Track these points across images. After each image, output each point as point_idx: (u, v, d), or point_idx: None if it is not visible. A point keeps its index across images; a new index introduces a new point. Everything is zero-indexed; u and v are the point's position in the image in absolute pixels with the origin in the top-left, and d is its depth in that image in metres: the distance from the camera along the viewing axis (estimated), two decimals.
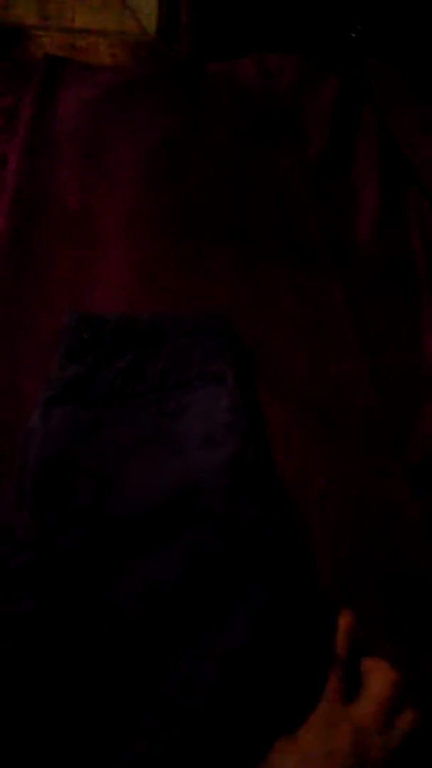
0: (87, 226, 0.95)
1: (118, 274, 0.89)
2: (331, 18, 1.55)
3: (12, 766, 0.50)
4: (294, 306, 0.92)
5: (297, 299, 0.93)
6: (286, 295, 0.93)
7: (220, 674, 0.54)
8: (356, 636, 0.58)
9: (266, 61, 1.36)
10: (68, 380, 0.74)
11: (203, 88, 1.29)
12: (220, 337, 0.80)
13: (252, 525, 0.63)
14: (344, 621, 0.58)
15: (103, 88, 1.19)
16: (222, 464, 0.66)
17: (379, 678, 0.54)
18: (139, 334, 0.78)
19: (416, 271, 1.00)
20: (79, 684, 0.54)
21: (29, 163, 1.02)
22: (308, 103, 1.26)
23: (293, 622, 0.58)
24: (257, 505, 0.65)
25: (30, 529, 0.61)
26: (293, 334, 0.89)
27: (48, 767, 0.50)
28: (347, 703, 0.53)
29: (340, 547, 0.69)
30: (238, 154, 1.14)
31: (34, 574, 0.58)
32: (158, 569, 0.60)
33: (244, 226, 1.02)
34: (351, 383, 0.84)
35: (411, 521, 0.72)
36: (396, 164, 1.17)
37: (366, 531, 0.71)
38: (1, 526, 0.62)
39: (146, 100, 1.20)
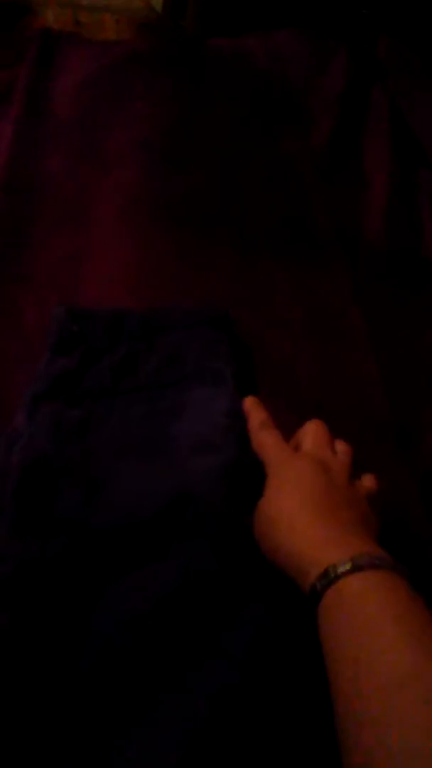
0: (80, 215, 0.90)
1: (112, 266, 0.84)
2: None
3: None
4: (298, 301, 0.87)
5: (301, 294, 0.88)
6: (289, 290, 0.88)
7: (209, 713, 0.49)
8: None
9: (274, 39, 1.30)
10: (56, 375, 0.69)
11: (208, 67, 1.23)
12: (218, 332, 0.76)
13: (249, 539, 0.59)
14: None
15: (102, 66, 1.13)
16: (218, 471, 0.62)
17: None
18: (132, 328, 0.74)
19: (429, 261, 0.95)
20: (56, 705, 0.50)
21: (21, 145, 0.97)
22: (316, 83, 1.20)
23: (292, 648, 0.54)
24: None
25: (9, 540, 0.57)
26: (297, 330, 0.84)
27: None
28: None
29: None
30: (241, 138, 1.09)
31: (11, 589, 0.54)
32: (146, 586, 0.56)
33: (246, 216, 0.97)
34: (357, 384, 0.79)
35: (419, 529, 0.68)
36: (408, 148, 1.11)
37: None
38: None
39: (147, 79, 1.15)
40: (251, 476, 0.62)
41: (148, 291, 0.82)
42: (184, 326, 0.74)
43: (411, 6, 1.45)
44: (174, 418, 0.67)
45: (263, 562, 0.57)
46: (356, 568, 0.49)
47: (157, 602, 0.54)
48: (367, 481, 0.63)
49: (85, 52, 1.18)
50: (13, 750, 0.48)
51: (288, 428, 0.72)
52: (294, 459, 0.61)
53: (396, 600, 0.47)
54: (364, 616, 0.47)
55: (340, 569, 0.49)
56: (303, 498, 0.57)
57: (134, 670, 0.51)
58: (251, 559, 0.57)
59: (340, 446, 0.64)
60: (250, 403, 0.68)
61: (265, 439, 0.64)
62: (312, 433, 0.64)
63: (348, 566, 0.49)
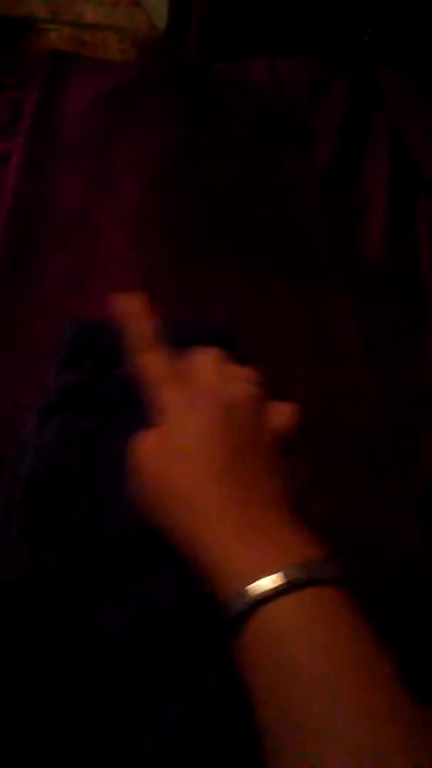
0: (88, 229, 0.93)
1: (119, 279, 0.87)
2: (344, 21, 1.53)
3: None
4: (297, 317, 0.89)
5: (301, 310, 0.90)
6: (289, 306, 0.91)
7: (212, 715, 0.51)
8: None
9: (277, 64, 1.34)
10: (65, 389, 0.71)
11: (212, 89, 1.27)
12: (224, 347, 0.78)
13: None
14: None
15: (109, 87, 1.16)
16: None
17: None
18: None
19: (425, 284, 0.98)
20: (64, 706, 0.52)
21: (31, 163, 0.99)
22: (319, 108, 1.24)
23: None
24: None
25: (20, 548, 0.59)
26: (296, 345, 0.87)
27: None
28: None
29: None
30: (244, 159, 1.12)
31: (22, 594, 0.56)
32: (152, 593, 0.57)
33: (248, 233, 0.99)
34: (353, 401, 0.81)
35: (413, 548, 0.69)
36: (407, 173, 1.14)
37: (366, 557, 0.68)
38: None
39: (153, 100, 1.18)
40: None
41: (153, 303, 0.85)
42: (190, 341, 0.76)
43: (412, 34, 1.49)
44: None
45: None
46: (288, 588, 0.36)
47: (162, 606, 0.56)
48: (281, 417, 0.47)
49: (92, 74, 1.21)
50: (19, 748, 0.49)
51: None
52: (193, 399, 0.47)
53: (335, 635, 0.36)
54: (293, 662, 0.35)
55: (265, 588, 0.36)
56: (207, 460, 0.42)
57: (139, 671, 0.53)
58: None
59: (244, 372, 0.50)
60: (130, 306, 0.52)
61: (150, 363, 0.51)
62: (210, 361, 0.51)
63: (276, 584, 0.36)
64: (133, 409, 0.71)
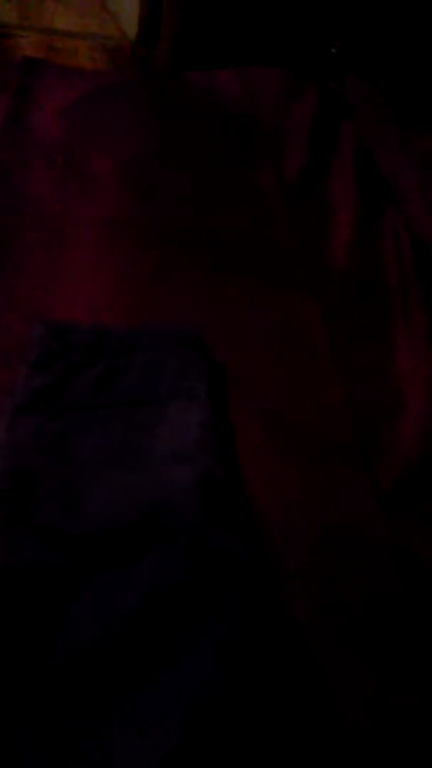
0: (60, 234, 0.93)
1: (90, 284, 0.88)
2: (312, 33, 1.56)
3: None
4: (266, 323, 0.91)
5: (269, 316, 0.92)
6: (258, 312, 0.92)
7: (182, 715, 0.52)
8: None
9: (247, 74, 1.36)
10: (36, 390, 0.72)
11: (181, 98, 1.29)
12: (193, 351, 0.79)
13: (220, 547, 0.61)
14: None
15: (80, 95, 1.18)
16: (191, 482, 0.65)
17: None
18: (110, 345, 0.77)
19: (390, 291, 1.00)
20: (36, 696, 0.52)
21: (3, 168, 1.00)
22: (287, 118, 1.26)
23: (260, 655, 0.56)
24: (226, 526, 0.64)
25: None
26: (265, 350, 0.89)
27: None
28: None
29: (309, 568, 0.68)
30: (214, 167, 1.14)
31: None
32: (121, 591, 0.58)
33: (217, 240, 1.01)
34: (323, 402, 0.83)
35: (380, 543, 0.71)
36: (373, 182, 1.17)
37: (335, 553, 0.70)
38: None
39: (124, 108, 1.19)
40: (222, 487, 0.66)
41: (124, 309, 0.86)
42: (161, 345, 0.78)
43: (378, 46, 1.52)
44: (150, 432, 0.70)
45: (233, 571, 0.60)
46: None
47: (131, 603, 0.57)
48: None
49: (64, 81, 1.22)
50: None
51: (253, 443, 0.75)
52: None
53: None
54: None
55: None
56: None
57: (114, 662, 0.53)
58: (221, 567, 0.60)
59: None
60: None
61: None
62: None
63: None
64: (103, 410, 0.73)
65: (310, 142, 1.22)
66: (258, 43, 1.63)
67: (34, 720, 0.51)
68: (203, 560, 0.60)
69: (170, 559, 0.60)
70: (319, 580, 0.67)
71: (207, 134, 1.20)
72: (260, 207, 1.10)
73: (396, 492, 0.76)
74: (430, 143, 1.14)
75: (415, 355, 0.91)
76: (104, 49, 2.12)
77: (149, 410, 0.72)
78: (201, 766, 0.50)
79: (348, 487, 0.76)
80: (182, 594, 0.58)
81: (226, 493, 0.66)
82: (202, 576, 0.60)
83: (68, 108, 1.14)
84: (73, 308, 0.85)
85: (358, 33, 1.54)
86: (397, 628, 0.65)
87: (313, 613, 0.64)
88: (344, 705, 0.58)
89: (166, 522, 0.62)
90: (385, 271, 1.03)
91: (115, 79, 1.30)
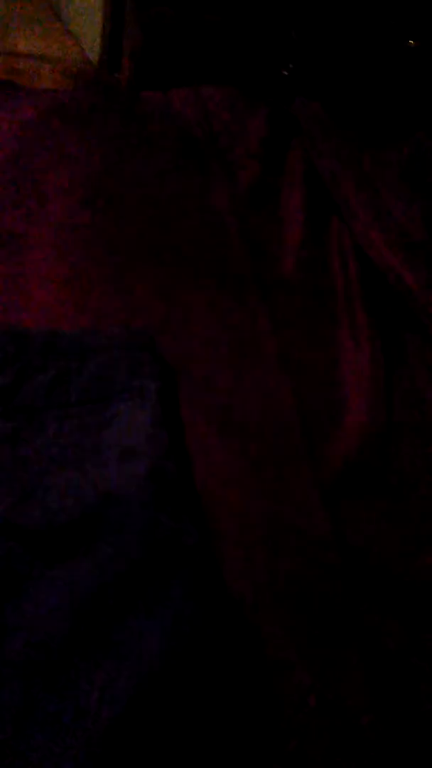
0: (18, 245, 0.96)
1: (45, 292, 0.91)
2: (264, 56, 1.62)
3: None
4: (217, 329, 0.95)
5: (220, 323, 0.96)
6: (209, 319, 0.96)
7: (133, 685, 0.55)
8: None
9: (202, 94, 1.41)
10: None
11: (138, 116, 1.33)
12: (144, 353, 0.83)
13: (169, 537, 0.65)
14: None
15: (40, 111, 1.21)
16: (142, 476, 0.68)
17: None
18: (64, 348, 0.80)
19: (336, 298, 1.05)
20: None
21: None
22: (239, 135, 1.32)
23: (205, 636, 0.59)
24: (175, 517, 0.67)
25: None
26: (216, 355, 0.92)
27: None
28: None
29: (255, 557, 0.71)
30: (169, 181, 1.18)
31: None
32: (74, 579, 0.61)
33: (171, 251, 1.05)
34: (271, 401, 0.87)
35: (320, 532, 0.75)
36: (321, 196, 1.22)
37: (280, 543, 0.73)
38: None
39: (81, 126, 1.23)
40: (172, 480, 0.69)
41: (79, 314, 0.89)
42: (113, 347, 0.81)
43: (327, 69, 1.59)
44: (103, 430, 0.73)
45: (181, 558, 0.63)
46: None
47: (84, 589, 0.59)
48: None
49: (23, 100, 1.25)
50: None
51: (203, 441, 0.79)
52: None
53: None
54: None
55: None
56: None
57: (64, 648, 0.56)
58: (170, 555, 0.63)
59: None
60: None
61: None
62: None
63: None
64: (56, 410, 0.76)
65: (261, 157, 1.27)
66: (214, 65, 1.68)
67: None
68: (152, 548, 0.63)
69: (120, 548, 0.63)
70: (264, 568, 0.71)
71: (162, 150, 1.24)
72: (213, 220, 1.14)
73: (338, 486, 0.80)
74: (374, 161, 1.20)
75: (359, 357, 0.96)
76: (66, 72, 2.16)
77: (101, 409, 0.75)
78: (145, 734, 0.52)
79: (293, 483, 0.80)
80: (132, 580, 0.61)
81: (175, 487, 0.70)
82: (150, 563, 0.63)
83: (27, 124, 1.18)
84: (29, 314, 0.88)
85: (309, 56, 1.60)
86: (335, 612, 0.69)
87: (258, 597, 0.68)
88: (287, 682, 0.62)
89: (116, 513, 0.65)
90: (331, 280, 1.08)
91: (74, 97, 1.34)
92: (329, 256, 1.11)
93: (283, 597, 0.69)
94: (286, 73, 1.53)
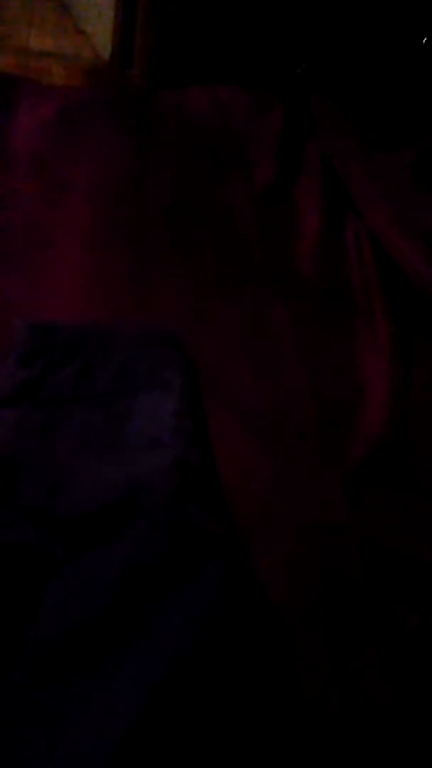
0: (41, 245, 0.98)
1: (70, 286, 0.92)
2: (279, 55, 1.63)
3: None
4: (236, 323, 0.97)
5: (239, 317, 0.98)
6: (229, 313, 0.98)
7: (158, 680, 0.55)
8: None
9: (217, 92, 1.42)
10: (19, 384, 0.76)
11: (154, 114, 1.34)
12: (167, 348, 0.84)
13: (195, 525, 0.66)
14: None
15: (57, 109, 1.23)
16: (167, 465, 0.69)
17: None
18: (90, 342, 0.81)
19: (353, 292, 1.06)
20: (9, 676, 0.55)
21: None
22: (255, 133, 1.33)
23: (236, 625, 0.60)
24: (201, 505, 0.68)
25: None
26: (236, 349, 0.94)
27: None
28: None
29: (278, 547, 0.73)
30: (186, 178, 1.19)
31: None
32: (104, 566, 0.62)
33: (191, 247, 1.07)
34: (290, 394, 0.88)
35: (343, 526, 0.76)
36: (336, 192, 1.24)
37: (302, 532, 0.75)
38: None
39: (99, 124, 1.25)
40: (197, 471, 0.70)
41: (103, 309, 0.91)
42: (137, 341, 0.83)
43: (340, 67, 1.60)
44: (128, 420, 0.75)
45: (206, 546, 0.64)
46: None
47: (109, 577, 0.61)
48: None
49: (41, 97, 1.27)
50: None
51: (225, 432, 0.80)
52: None
53: None
54: None
55: None
56: None
57: (89, 634, 0.57)
58: (196, 543, 0.65)
59: None
60: None
61: None
62: None
63: None
64: (83, 401, 0.77)
65: (277, 155, 1.28)
66: (228, 63, 1.69)
67: (19, 690, 0.54)
68: (180, 536, 0.65)
69: (148, 536, 0.64)
70: (287, 560, 0.72)
71: (179, 148, 1.26)
72: (231, 216, 1.16)
73: (358, 479, 0.81)
74: (388, 158, 1.21)
75: (378, 351, 0.97)
76: (78, 69, 2.17)
77: (126, 400, 0.77)
78: (171, 722, 0.54)
79: (314, 475, 0.81)
80: (160, 568, 0.62)
81: (200, 476, 0.71)
82: (178, 551, 0.64)
83: (45, 122, 1.19)
84: (54, 308, 0.89)
85: (323, 54, 1.61)
86: (358, 602, 0.70)
87: (281, 588, 0.69)
88: (309, 672, 0.63)
89: (144, 501, 0.67)
90: (348, 276, 1.09)
91: (90, 95, 1.35)
92: (346, 251, 1.12)
93: (306, 586, 0.70)
94: (299, 71, 1.53)
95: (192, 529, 0.65)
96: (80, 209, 1.07)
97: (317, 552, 0.74)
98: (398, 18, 1.57)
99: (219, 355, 0.92)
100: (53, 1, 2.50)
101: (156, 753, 0.51)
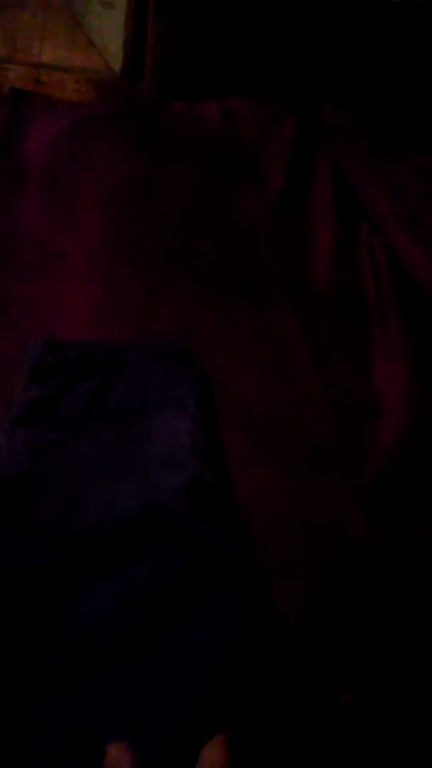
0: (53, 259, 0.98)
1: (82, 304, 0.92)
2: (291, 66, 1.63)
3: None
4: (250, 337, 0.96)
5: (253, 331, 0.97)
6: (242, 327, 0.97)
7: (174, 701, 0.54)
8: None
9: (228, 104, 1.42)
10: (33, 402, 0.76)
11: (165, 127, 1.34)
12: (181, 364, 0.83)
13: (211, 545, 0.65)
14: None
15: (68, 125, 1.23)
16: (183, 485, 0.69)
17: None
18: (103, 359, 0.81)
19: (367, 303, 1.05)
20: (26, 706, 0.55)
21: None
22: (267, 144, 1.32)
23: (251, 647, 0.59)
24: (217, 525, 0.68)
25: None
26: (250, 363, 0.93)
27: None
28: None
29: (293, 565, 0.72)
30: (199, 191, 1.19)
31: None
32: (118, 589, 0.61)
33: (204, 260, 1.06)
34: (305, 410, 0.87)
35: (360, 543, 0.75)
36: (349, 203, 1.23)
37: (318, 552, 0.73)
38: None
39: (110, 137, 1.25)
40: (213, 490, 0.69)
41: (115, 321, 0.90)
42: (150, 358, 0.82)
43: (353, 78, 1.60)
44: (143, 439, 0.74)
45: (223, 566, 0.63)
46: None
47: (127, 600, 0.60)
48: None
49: (52, 112, 1.27)
50: None
51: (240, 449, 0.79)
52: None
53: None
54: None
55: None
56: None
57: (108, 659, 0.57)
58: (213, 563, 0.64)
59: None
60: None
61: None
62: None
63: None
64: (97, 420, 0.77)
65: (289, 166, 1.28)
66: (239, 75, 1.69)
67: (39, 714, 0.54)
68: (196, 557, 0.64)
69: (165, 558, 0.64)
70: (303, 578, 0.71)
71: (190, 160, 1.25)
72: (244, 228, 1.15)
73: (375, 495, 0.80)
74: (402, 167, 1.20)
75: (393, 366, 0.96)
76: (90, 82, 2.18)
77: (141, 419, 0.76)
78: (188, 747, 0.53)
79: (330, 491, 0.80)
80: (177, 590, 0.62)
81: (216, 496, 0.70)
82: (195, 572, 0.63)
83: (57, 138, 1.19)
84: (67, 326, 0.89)
85: (335, 66, 1.61)
86: (376, 619, 0.69)
87: (298, 607, 0.68)
88: (331, 689, 0.62)
89: (160, 522, 0.66)
90: (362, 287, 1.08)
91: (100, 109, 1.35)
92: (360, 262, 1.11)
93: (324, 604, 0.69)
94: (312, 81, 1.53)
95: (207, 551, 0.64)
96: (92, 221, 1.07)
97: (334, 569, 0.73)
98: (410, 28, 1.57)
99: (233, 368, 0.91)
100: (65, 15, 2.52)
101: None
